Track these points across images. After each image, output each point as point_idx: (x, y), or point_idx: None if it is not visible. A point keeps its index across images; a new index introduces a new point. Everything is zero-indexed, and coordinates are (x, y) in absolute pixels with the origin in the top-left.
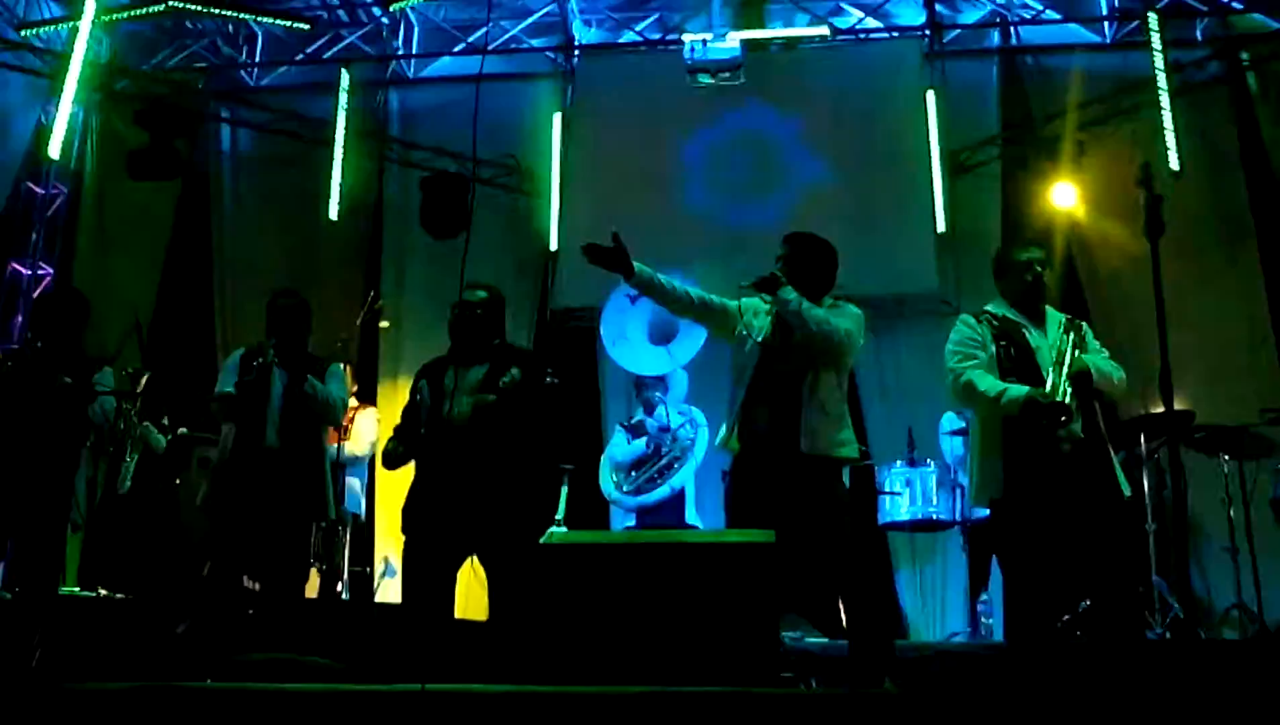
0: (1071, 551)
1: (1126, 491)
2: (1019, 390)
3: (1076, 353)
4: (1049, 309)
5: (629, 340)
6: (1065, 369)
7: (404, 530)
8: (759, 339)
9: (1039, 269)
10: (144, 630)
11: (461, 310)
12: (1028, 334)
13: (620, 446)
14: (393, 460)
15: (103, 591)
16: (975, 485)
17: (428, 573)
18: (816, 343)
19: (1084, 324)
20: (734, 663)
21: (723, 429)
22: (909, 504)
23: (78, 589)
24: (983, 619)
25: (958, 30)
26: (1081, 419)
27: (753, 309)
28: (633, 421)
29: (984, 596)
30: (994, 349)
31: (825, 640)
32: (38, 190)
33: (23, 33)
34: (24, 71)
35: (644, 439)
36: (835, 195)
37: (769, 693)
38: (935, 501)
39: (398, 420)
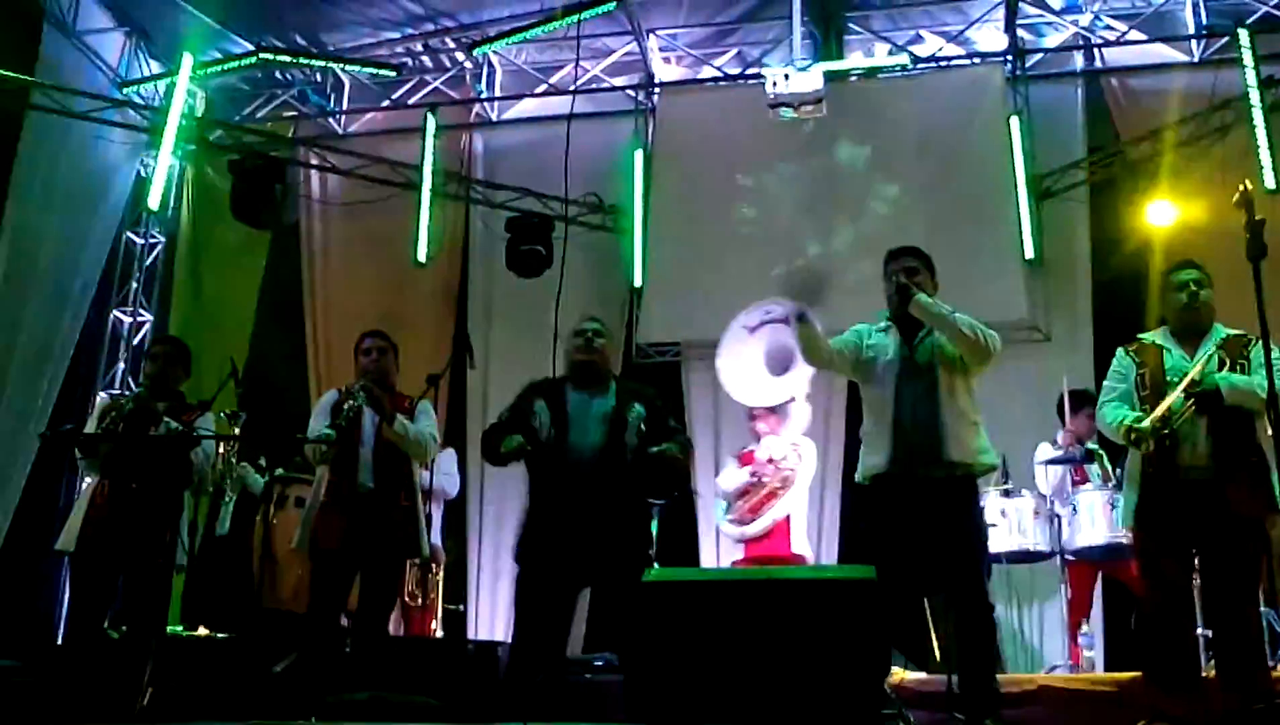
0: (1190, 580)
1: None
2: (1126, 418)
3: (1217, 371)
4: (1217, 327)
5: (745, 371)
6: (1185, 388)
7: (518, 559)
8: (889, 357)
9: (1194, 288)
10: (243, 669)
11: (580, 336)
12: (1168, 357)
13: (728, 476)
14: (504, 457)
15: (204, 631)
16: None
17: (545, 604)
18: (965, 343)
19: (1252, 340)
20: (837, 701)
21: (862, 461)
22: (1005, 535)
23: (181, 628)
24: (1084, 651)
25: (1040, 54)
26: (1210, 440)
27: (868, 332)
28: (744, 451)
29: (1085, 628)
30: (1133, 377)
31: (921, 674)
32: (137, 240)
33: (124, 90)
34: (125, 126)
35: (748, 469)
36: (919, 225)
37: None
38: (1031, 532)
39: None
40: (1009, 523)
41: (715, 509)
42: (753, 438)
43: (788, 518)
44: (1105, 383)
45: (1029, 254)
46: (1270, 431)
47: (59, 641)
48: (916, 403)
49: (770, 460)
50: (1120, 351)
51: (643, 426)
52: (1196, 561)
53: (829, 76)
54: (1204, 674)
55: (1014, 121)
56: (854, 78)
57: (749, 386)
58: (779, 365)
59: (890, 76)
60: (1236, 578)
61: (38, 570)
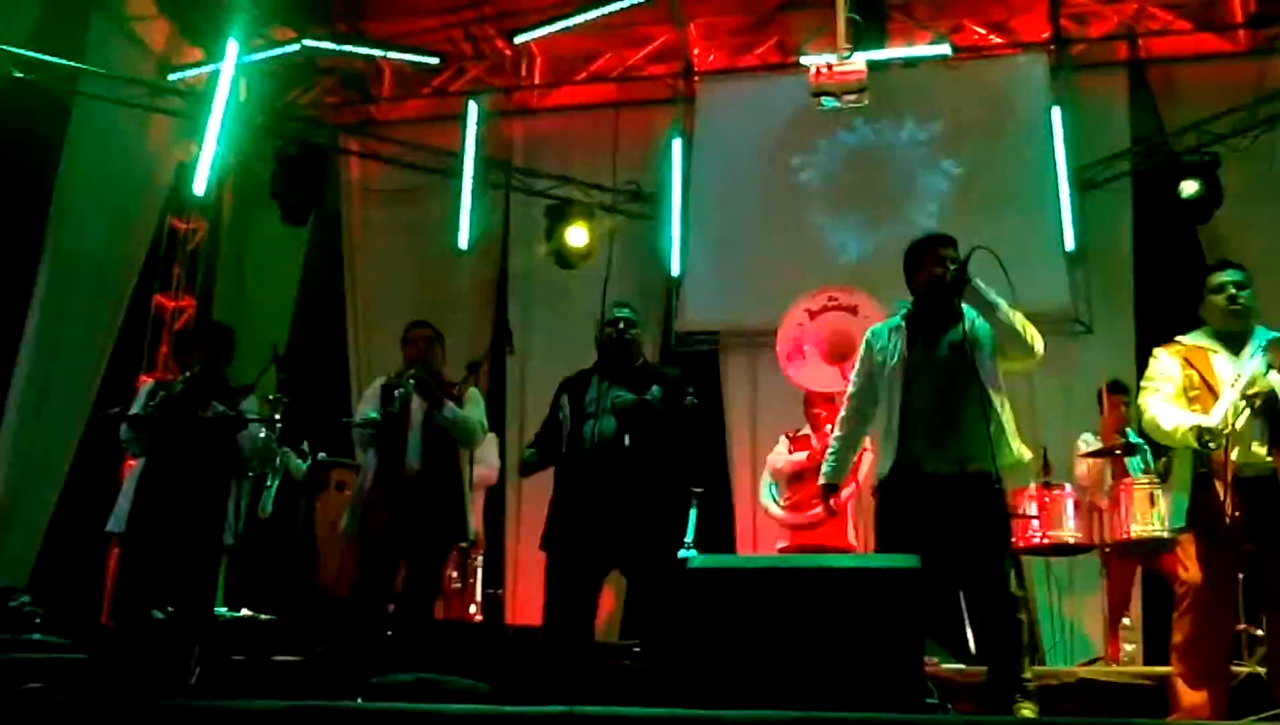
0: (1238, 577)
1: None
2: (1189, 420)
3: (1270, 372)
4: (1259, 328)
5: (804, 356)
6: (1240, 391)
7: (545, 548)
8: (900, 356)
9: (1233, 291)
10: (286, 650)
11: (611, 326)
12: (1214, 359)
13: (781, 454)
14: (527, 468)
15: (247, 612)
16: (1169, 515)
17: (571, 590)
18: (1011, 338)
19: None
20: (879, 688)
21: (884, 460)
22: (1044, 527)
23: (226, 610)
24: (1124, 645)
25: (1085, 44)
26: (1267, 438)
27: (876, 336)
28: (799, 433)
29: (1125, 622)
30: (1180, 379)
31: (960, 665)
32: (180, 226)
33: (169, 77)
34: (170, 114)
35: (805, 453)
36: (959, 214)
37: (915, 719)
38: (1071, 525)
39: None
40: (1048, 515)
41: (763, 489)
42: (808, 423)
43: (844, 507)
44: (1146, 384)
45: (1070, 245)
46: None
47: (106, 621)
48: (929, 400)
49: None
50: (1162, 353)
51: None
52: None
53: (871, 65)
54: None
55: (1056, 111)
56: (895, 66)
57: (808, 371)
58: (838, 353)
59: (932, 65)
60: None
61: (86, 551)
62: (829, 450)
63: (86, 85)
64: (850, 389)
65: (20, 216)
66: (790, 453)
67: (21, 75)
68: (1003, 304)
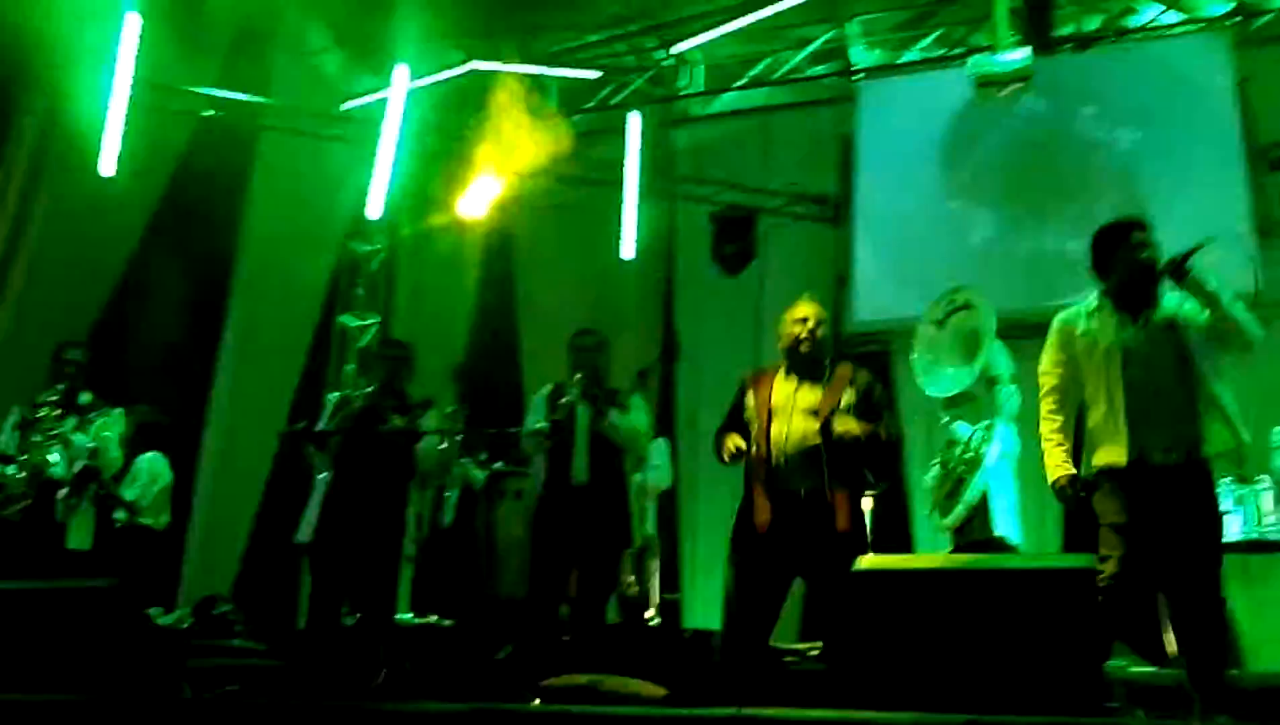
0: None
1: None
2: None
3: None
4: None
5: (939, 364)
6: None
7: (731, 552)
8: (1109, 341)
9: None
10: (469, 655)
11: (804, 326)
12: None
13: (931, 472)
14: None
15: (432, 618)
16: None
17: (756, 596)
18: (1230, 329)
19: None
20: (1057, 691)
21: (1089, 454)
22: (1242, 523)
23: (411, 615)
24: None
25: (1270, 15)
26: None
27: (1071, 321)
28: (945, 443)
29: None
30: None
31: (1151, 668)
32: (360, 248)
33: (346, 105)
34: (347, 141)
35: (938, 460)
36: (1136, 199)
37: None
38: (1271, 520)
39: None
40: (1245, 510)
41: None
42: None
43: (984, 499)
44: None
45: (1257, 226)
46: None
47: (300, 627)
48: (1147, 385)
49: (950, 443)
50: None
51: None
52: None
53: (1038, 51)
54: None
55: (1238, 88)
56: (1065, 51)
57: (941, 379)
58: (969, 352)
59: (1103, 47)
60: None
61: (283, 561)
62: (1053, 444)
63: (269, 119)
64: (1051, 381)
65: (213, 244)
66: (933, 467)
67: (211, 113)
68: (1226, 296)
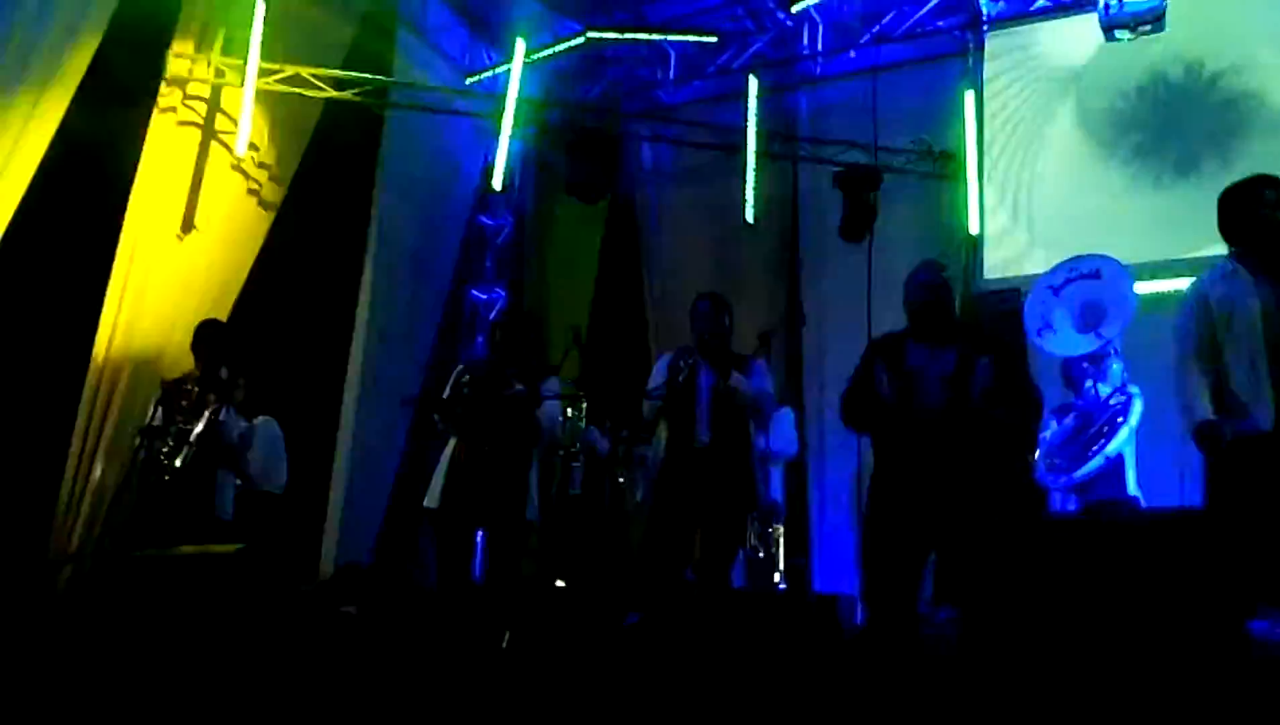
0: None
1: None
2: None
3: None
4: None
5: (1054, 329)
6: None
7: (867, 523)
8: (1250, 302)
9: None
10: (596, 620)
11: (927, 288)
12: None
13: (1051, 430)
14: (864, 421)
15: (560, 583)
16: None
17: (892, 564)
18: None
19: None
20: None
21: (1232, 421)
22: None
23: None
24: None
25: None
26: None
27: (1207, 286)
28: (1060, 405)
29: None
30: None
31: None
32: (487, 222)
33: (468, 80)
34: (471, 116)
35: (1071, 414)
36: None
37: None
38: None
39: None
40: None
41: (1037, 466)
42: (1069, 389)
43: (1120, 458)
44: None
45: None
46: None
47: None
48: None
49: (1094, 398)
50: None
51: (988, 386)
52: None
53: None
54: None
55: None
56: None
57: (1062, 341)
58: (1089, 322)
59: None
60: None
61: (419, 527)
62: (1195, 396)
63: (396, 96)
64: (1187, 347)
65: (346, 222)
66: (1059, 423)
67: (340, 94)
68: None
